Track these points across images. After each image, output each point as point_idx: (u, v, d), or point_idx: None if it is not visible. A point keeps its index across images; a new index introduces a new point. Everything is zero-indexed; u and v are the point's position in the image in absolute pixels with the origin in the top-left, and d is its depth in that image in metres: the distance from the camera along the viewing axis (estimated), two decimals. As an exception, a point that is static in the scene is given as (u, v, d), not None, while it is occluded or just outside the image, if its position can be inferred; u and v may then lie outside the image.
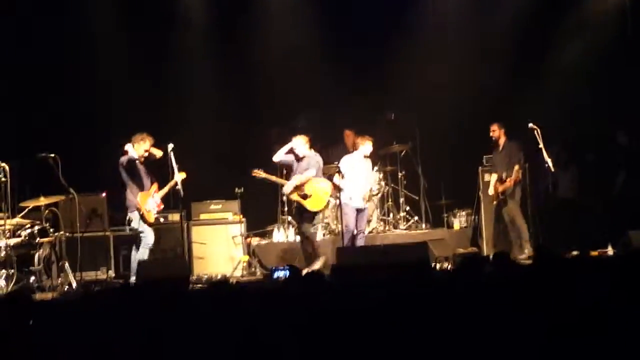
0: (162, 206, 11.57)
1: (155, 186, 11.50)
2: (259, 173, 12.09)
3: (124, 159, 11.43)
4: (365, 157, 12.63)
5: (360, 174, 12.47)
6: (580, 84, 14.10)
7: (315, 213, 12.30)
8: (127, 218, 11.47)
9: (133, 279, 10.98)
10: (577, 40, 14.38)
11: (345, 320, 6.23)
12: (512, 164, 12.82)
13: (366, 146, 12.54)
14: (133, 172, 11.42)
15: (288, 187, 12.12)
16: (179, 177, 11.39)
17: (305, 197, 12.07)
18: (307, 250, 12.06)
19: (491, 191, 13.09)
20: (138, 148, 11.51)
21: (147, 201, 11.36)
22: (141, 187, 11.42)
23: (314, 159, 12.27)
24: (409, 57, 14.30)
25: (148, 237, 11.41)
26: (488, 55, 14.42)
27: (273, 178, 12.18)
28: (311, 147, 12.27)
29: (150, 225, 11.43)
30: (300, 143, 12.18)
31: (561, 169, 12.98)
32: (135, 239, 11.49)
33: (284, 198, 13.01)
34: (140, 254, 11.33)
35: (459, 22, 14.67)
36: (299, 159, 12.20)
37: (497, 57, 14.37)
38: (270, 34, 14.57)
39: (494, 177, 13.14)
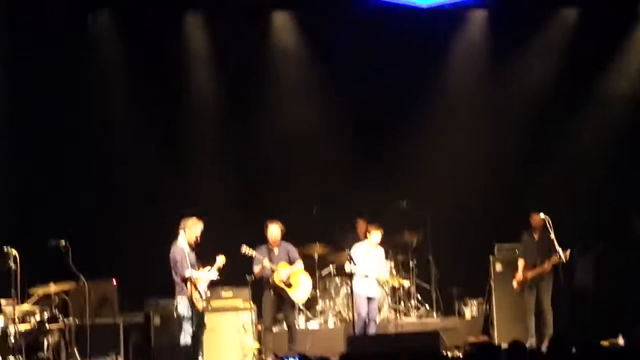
0: (209, 293, 11.67)
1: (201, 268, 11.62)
2: (249, 251, 12.12)
3: (173, 247, 11.46)
4: (377, 245, 12.69)
5: (371, 262, 12.52)
6: (592, 167, 14.30)
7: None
8: (175, 302, 11.46)
9: None
10: (591, 123, 14.62)
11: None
12: (550, 253, 12.56)
13: (374, 235, 12.65)
14: (182, 260, 11.38)
15: (283, 274, 12.25)
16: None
17: (289, 285, 12.24)
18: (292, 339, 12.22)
19: (520, 277, 12.86)
20: (189, 233, 11.55)
21: (197, 289, 11.42)
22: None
23: (292, 250, 12.51)
24: (422, 144, 14.58)
25: (194, 323, 11.42)
26: (499, 142, 14.62)
27: (262, 261, 12.18)
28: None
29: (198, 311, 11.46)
30: (278, 230, 12.36)
31: (574, 258, 12.87)
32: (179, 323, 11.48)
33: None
34: (183, 339, 11.38)
35: (470, 108, 14.89)
36: (273, 246, 12.35)
37: (509, 142, 14.61)
38: (281, 120, 14.78)
39: (521, 262, 12.93)
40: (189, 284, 11.33)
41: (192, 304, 11.31)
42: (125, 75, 14.32)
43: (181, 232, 11.52)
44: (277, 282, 12.23)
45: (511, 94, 14.87)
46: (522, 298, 12.91)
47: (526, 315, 12.82)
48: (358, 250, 12.64)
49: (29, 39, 13.65)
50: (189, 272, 11.30)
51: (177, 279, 11.42)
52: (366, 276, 12.48)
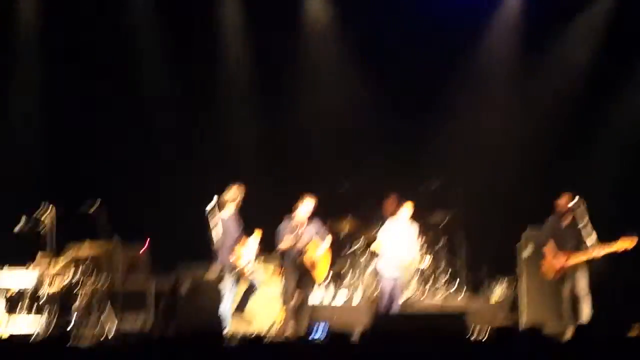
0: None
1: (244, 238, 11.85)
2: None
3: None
4: (409, 221, 12.66)
5: (399, 241, 12.52)
6: (629, 154, 14.14)
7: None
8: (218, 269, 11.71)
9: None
10: (630, 107, 14.46)
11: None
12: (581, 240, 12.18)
13: (406, 210, 12.55)
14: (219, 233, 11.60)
15: (322, 249, 12.26)
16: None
17: (314, 266, 12.20)
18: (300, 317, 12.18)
19: (557, 265, 12.26)
20: (228, 199, 11.76)
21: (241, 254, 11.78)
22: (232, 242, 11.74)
23: (321, 229, 12.38)
24: (454, 123, 14.49)
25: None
26: (534, 123, 14.51)
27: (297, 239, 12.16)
28: None
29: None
30: (312, 206, 12.23)
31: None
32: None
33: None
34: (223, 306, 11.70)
35: (505, 87, 14.78)
36: (302, 221, 12.20)
37: (544, 124, 14.47)
38: (313, 94, 14.84)
39: (549, 248, 12.36)
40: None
41: (238, 272, 11.66)
42: (159, 41, 14.47)
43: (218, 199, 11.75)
44: (306, 262, 12.15)
45: (548, 74, 14.69)
46: (555, 284, 12.42)
47: (562, 301, 12.31)
48: (389, 228, 12.60)
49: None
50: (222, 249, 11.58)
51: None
52: (388, 257, 12.45)
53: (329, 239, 12.43)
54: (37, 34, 14.21)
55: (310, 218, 12.30)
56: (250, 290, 11.96)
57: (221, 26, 14.84)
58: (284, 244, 12.08)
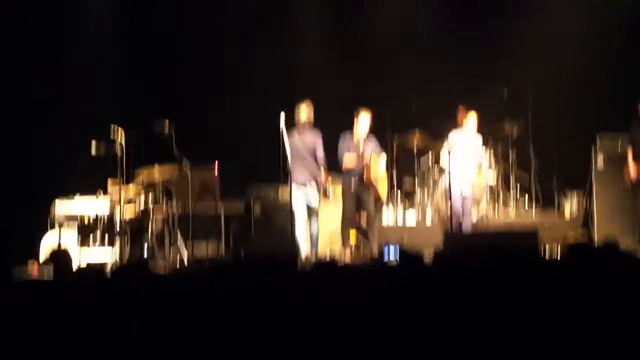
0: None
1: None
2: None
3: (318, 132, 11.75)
4: (474, 132, 12.43)
5: (466, 155, 12.34)
6: None
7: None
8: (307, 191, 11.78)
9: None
10: None
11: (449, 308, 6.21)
12: None
13: (470, 119, 12.31)
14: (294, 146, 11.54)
15: (382, 165, 12.14)
16: None
17: (377, 181, 12.05)
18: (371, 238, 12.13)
19: (634, 173, 12.11)
20: (301, 118, 11.78)
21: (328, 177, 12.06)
22: None
23: (377, 144, 12.18)
24: (525, 26, 14.15)
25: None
26: (609, 24, 13.95)
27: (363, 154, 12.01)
28: None
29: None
30: (369, 120, 12.02)
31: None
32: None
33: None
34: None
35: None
36: (361, 137, 11.98)
37: (620, 24, 13.91)
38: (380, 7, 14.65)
39: (630, 154, 12.19)
40: (324, 171, 11.61)
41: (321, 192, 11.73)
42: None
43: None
44: (371, 177, 11.97)
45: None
46: (629, 196, 12.32)
47: (636, 214, 12.17)
48: (455, 138, 12.34)
49: None
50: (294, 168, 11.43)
51: (315, 164, 11.64)
52: (456, 174, 12.16)
53: (384, 156, 12.29)
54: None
55: (368, 133, 12.10)
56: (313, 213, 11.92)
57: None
58: (349, 162, 11.89)
